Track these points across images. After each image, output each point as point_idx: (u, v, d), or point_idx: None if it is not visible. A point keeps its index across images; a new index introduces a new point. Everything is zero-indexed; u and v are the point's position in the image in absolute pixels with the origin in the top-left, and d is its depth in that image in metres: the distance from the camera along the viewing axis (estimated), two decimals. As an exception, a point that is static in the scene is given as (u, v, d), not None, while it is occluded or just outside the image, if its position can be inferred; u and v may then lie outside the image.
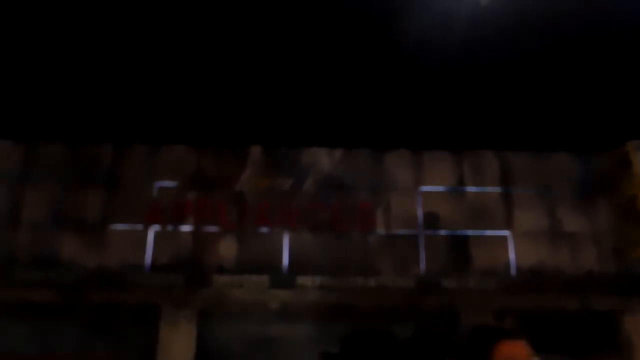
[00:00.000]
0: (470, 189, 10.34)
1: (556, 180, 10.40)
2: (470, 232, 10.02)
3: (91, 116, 10.72)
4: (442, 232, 9.99)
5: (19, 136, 10.25)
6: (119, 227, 9.77)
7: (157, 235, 9.74)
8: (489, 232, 10.05)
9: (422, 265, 9.74)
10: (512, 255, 9.91)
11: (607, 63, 10.34)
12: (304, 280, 9.51)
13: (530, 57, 10.66)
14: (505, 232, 10.08)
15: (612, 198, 10.23)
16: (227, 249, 9.70)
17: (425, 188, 10.30)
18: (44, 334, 9.29)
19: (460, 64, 10.85)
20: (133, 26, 10.24)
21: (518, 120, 10.99)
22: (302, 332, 9.45)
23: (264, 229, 9.84)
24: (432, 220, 10.05)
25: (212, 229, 9.80)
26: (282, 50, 10.41)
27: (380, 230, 9.96)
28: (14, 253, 9.51)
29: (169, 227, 9.78)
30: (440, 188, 10.30)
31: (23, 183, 9.92)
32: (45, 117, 10.70)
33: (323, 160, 10.30)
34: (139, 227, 9.77)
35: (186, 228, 9.79)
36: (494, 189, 10.35)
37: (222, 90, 10.64)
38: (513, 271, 9.78)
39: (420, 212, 10.10)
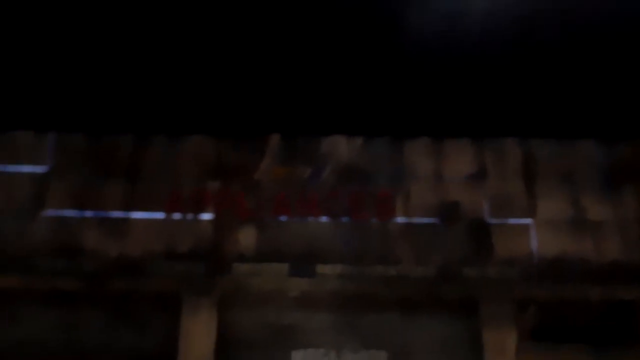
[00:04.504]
0: (492, 177, 10.19)
1: (580, 168, 10.19)
2: (491, 221, 9.89)
3: (112, 107, 10.83)
4: (463, 221, 9.88)
5: (42, 127, 10.38)
6: (140, 216, 9.86)
7: (178, 225, 9.81)
8: (510, 221, 9.91)
9: (443, 255, 9.65)
10: (534, 244, 9.76)
11: (633, 50, 10.11)
12: (323, 268, 9.51)
13: (555, 44, 10.47)
14: (528, 221, 9.93)
15: (638, 186, 10.02)
16: (247, 237, 9.73)
17: (446, 176, 10.19)
18: (69, 321, 9.46)
19: (483, 51, 10.70)
20: (155, 18, 10.30)
21: (541, 107, 10.82)
22: (322, 320, 9.46)
23: (284, 218, 9.84)
24: (452, 209, 9.95)
25: (232, 217, 9.83)
26: (301, 40, 10.38)
27: (400, 218, 9.89)
28: (38, 243, 9.66)
29: (189, 216, 9.84)
30: (461, 176, 10.18)
31: (46, 173, 10.06)
32: (68, 109, 10.84)
33: (342, 148, 10.25)
34: (160, 216, 9.85)
35: (206, 217, 9.84)
36: (516, 177, 10.19)
37: (241, 80, 10.65)
38: (535, 261, 9.64)
39: (440, 201, 10.00)
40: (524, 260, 9.64)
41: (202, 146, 10.26)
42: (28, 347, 9.24)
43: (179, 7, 9.90)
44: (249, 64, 10.83)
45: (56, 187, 10.03)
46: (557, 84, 10.64)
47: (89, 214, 9.89)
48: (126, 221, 9.85)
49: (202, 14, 10.07)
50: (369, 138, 10.38)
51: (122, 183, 10.07)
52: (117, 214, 9.90)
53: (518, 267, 9.55)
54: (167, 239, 9.73)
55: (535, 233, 9.83)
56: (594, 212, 9.94)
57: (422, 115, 10.81)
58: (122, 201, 9.98)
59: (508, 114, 10.75)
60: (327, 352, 9.33)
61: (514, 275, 9.46)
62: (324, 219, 9.85)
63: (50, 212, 9.88)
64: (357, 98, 10.75)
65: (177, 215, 9.86)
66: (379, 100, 10.83)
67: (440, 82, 10.95)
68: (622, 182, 10.06)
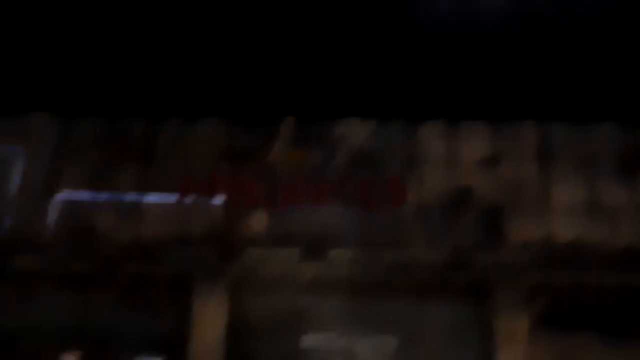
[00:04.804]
0: (507, 161, 10.06)
1: (597, 152, 10.01)
2: (505, 206, 9.78)
3: (126, 91, 10.82)
4: (476, 206, 9.77)
5: (55, 109, 10.42)
6: (153, 200, 9.90)
7: (190, 209, 9.84)
8: (524, 206, 9.79)
9: (455, 240, 9.58)
10: (548, 229, 9.65)
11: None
12: (334, 254, 9.50)
13: (574, 25, 10.24)
14: (542, 206, 9.80)
15: (656, 171, 9.84)
16: (258, 222, 9.74)
17: (460, 160, 10.07)
18: (81, 303, 9.57)
19: (499, 33, 10.50)
20: (168, 1, 10.22)
21: (558, 90, 10.62)
22: (333, 305, 9.47)
23: (295, 203, 9.82)
24: (465, 194, 9.85)
25: (244, 202, 9.84)
26: (314, 22, 10.25)
27: (413, 203, 9.82)
28: (51, 225, 9.75)
29: (202, 201, 9.86)
30: (475, 160, 10.06)
31: (59, 156, 10.13)
32: (81, 91, 10.86)
33: (355, 132, 10.17)
34: (172, 200, 9.88)
35: (218, 202, 9.85)
36: (531, 161, 10.04)
37: (254, 62, 10.57)
38: (549, 246, 9.53)
39: (453, 185, 9.90)
40: (537, 245, 9.55)
41: (215, 130, 10.25)
42: (41, 329, 9.39)
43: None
44: (262, 47, 10.73)
45: (69, 170, 10.10)
46: (575, 67, 10.42)
47: (102, 197, 9.95)
48: (139, 205, 9.90)
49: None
50: (382, 121, 10.28)
51: (135, 167, 10.11)
52: (129, 197, 9.95)
53: (531, 252, 9.46)
54: (179, 223, 9.78)
55: (549, 218, 9.72)
56: (610, 197, 9.79)
57: (437, 97, 10.66)
58: (135, 185, 10.03)
59: (524, 96, 10.57)
60: (338, 337, 9.36)
61: (527, 261, 9.38)
62: (335, 203, 9.81)
63: (63, 195, 9.96)
64: (370, 81, 10.62)
65: (189, 200, 9.89)
66: (392, 83, 10.69)
67: (456, 64, 10.78)
68: (639, 167, 9.87)
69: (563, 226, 9.67)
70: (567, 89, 10.59)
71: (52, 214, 9.86)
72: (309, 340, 9.35)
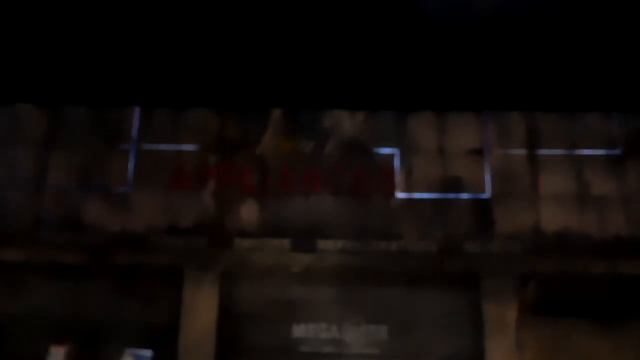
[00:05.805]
0: (495, 151, 10.12)
1: (586, 141, 10.09)
2: (494, 196, 9.84)
3: (114, 80, 10.76)
4: (466, 196, 9.83)
5: (43, 100, 10.35)
6: (143, 190, 9.86)
7: (180, 199, 9.81)
8: (513, 196, 9.85)
9: (445, 229, 9.63)
10: (537, 219, 9.72)
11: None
12: (324, 244, 9.51)
13: (559, 12, 10.31)
14: (531, 195, 9.87)
15: (643, 160, 9.93)
16: (249, 212, 9.74)
17: (449, 151, 10.11)
18: (72, 294, 9.54)
19: (485, 22, 10.55)
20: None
21: (546, 80, 10.69)
22: (323, 295, 9.49)
23: (286, 193, 9.82)
24: (455, 184, 9.90)
25: (234, 192, 9.82)
26: (304, 13, 10.24)
27: (403, 193, 9.86)
28: (41, 216, 9.69)
29: (192, 191, 9.83)
30: (464, 150, 10.10)
31: (48, 147, 10.06)
32: (69, 81, 10.78)
33: (345, 123, 10.18)
34: (163, 190, 9.84)
35: (208, 192, 9.82)
36: (520, 151, 10.10)
37: (244, 53, 10.55)
38: (538, 235, 9.61)
39: (443, 175, 9.94)
40: (526, 234, 9.62)
41: (205, 120, 10.21)
42: (31, 319, 9.34)
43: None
44: (253, 37, 10.71)
45: (59, 160, 10.03)
46: (562, 57, 10.49)
47: (91, 187, 9.90)
48: (129, 195, 9.86)
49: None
50: (372, 112, 10.29)
51: (125, 157, 10.05)
52: (119, 188, 9.90)
53: (520, 241, 9.52)
54: (169, 213, 9.75)
55: (538, 207, 9.79)
56: (597, 186, 9.87)
57: (426, 88, 10.69)
58: (125, 175, 9.98)
59: (512, 87, 10.63)
60: (329, 326, 9.38)
61: (516, 250, 9.45)
62: (326, 193, 9.82)
63: (53, 186, 9.90)
64: (360, 72, 10.64)
65: (179, 190, 9.85)
66: (381, 74, 10.71)
67: (445, 56, 10.82)
68: (626, 156, 9.97)
69: (551, 215, 9.74)
70: (556, 79, 10.66)
71: (42, 204, 9.79)
72: (300, 330, 9.37)
